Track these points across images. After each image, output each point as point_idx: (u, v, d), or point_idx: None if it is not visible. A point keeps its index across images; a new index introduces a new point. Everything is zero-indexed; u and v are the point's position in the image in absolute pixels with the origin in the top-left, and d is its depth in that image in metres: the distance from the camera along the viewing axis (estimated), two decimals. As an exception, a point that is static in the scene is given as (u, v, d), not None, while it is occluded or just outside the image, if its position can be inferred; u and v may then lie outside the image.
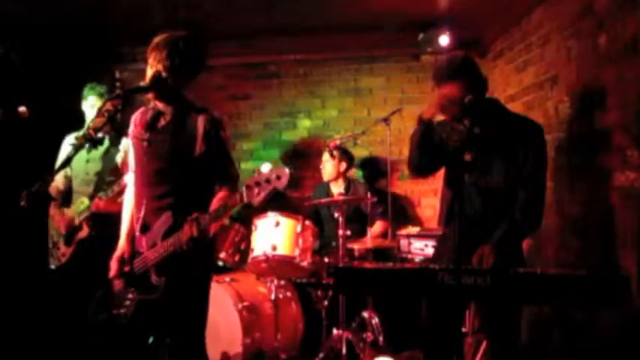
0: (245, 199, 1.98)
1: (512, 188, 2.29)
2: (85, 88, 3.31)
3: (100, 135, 3.18)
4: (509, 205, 2.28)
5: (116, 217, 3.12)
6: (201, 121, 2.24)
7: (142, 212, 2.32)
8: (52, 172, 2.41)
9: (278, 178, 1.91)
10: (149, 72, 2.23)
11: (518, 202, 2.28)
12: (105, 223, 3.10)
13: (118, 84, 4.63)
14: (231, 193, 2.23)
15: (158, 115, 2.33)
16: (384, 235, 4.07)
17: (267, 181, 1.91)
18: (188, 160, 2.22)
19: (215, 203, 2.20)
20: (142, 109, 2.40)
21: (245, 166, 4.92)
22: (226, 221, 3.65)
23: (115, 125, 3.13)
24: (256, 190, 1.93)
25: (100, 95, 3.28)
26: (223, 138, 2.28)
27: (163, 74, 2.19)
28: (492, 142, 2.32)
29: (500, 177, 2.30)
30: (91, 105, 3.27)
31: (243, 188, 2.00)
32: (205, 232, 2.10)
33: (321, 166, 4.28)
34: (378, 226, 4.11)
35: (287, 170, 1.90)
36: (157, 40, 2.23)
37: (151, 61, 2.22)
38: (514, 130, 2.32)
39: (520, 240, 2.38)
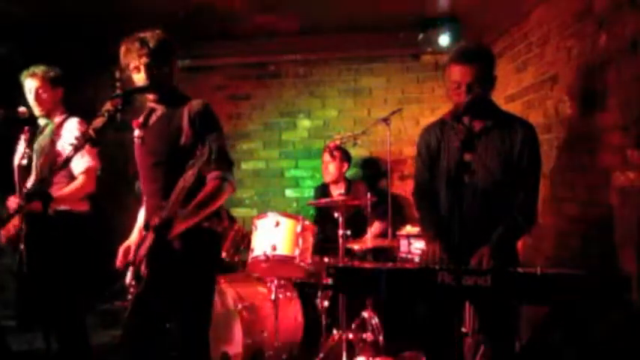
0: (186, 183, 2.03)
1: (508, 188, 2.30)
2: (21, 75, 3.06)
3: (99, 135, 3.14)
4: (505, 205, 2.28)
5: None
6: (186, 111, 2.24)
7: (145, 209, 2.36)
8: (52, 173, 2.41)
9: (201, 156, 1.99)
10: (138, 76, 2.27)
11: (518, 202, 2.28)
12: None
13: (117, 84, 4.63)
14: (221, 182, 2.17)
15: (151, 112, 2.38)
16: (382, 235, 4.07)
17: (197, 160, 2.00)
18: (177, 152, 2.21)
19: (201, 193, 2.17)
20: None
21: (245, 166, 4.93)
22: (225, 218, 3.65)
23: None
24: (190, 172, 2.01)
25: (42, 78, 3.01)
26: (210, 123, 2.25)
27: (151, 66, 2.22)
28: (489, 142, 2.32)
29: (497, 177, 2.30)
30: (28, 90, 3.04)
31: (185, 171, 2.05)
32: (167, 220, 2.07)
33: (322, 167, 4.28)
34: (376, 227, 4.11)
35: (206, 149, 1.99)
36: (122, 49, 2.27)
37: (132, 65, 2.25)
38: (508, 130, 2.32)
39: (517, 240, 2.39)
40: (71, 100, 3.23)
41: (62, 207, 2.95)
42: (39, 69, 3.03)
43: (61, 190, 2.93)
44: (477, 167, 2.31)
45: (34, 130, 3.08)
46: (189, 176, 1.99)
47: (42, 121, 3.12)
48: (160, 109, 2.35)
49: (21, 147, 3.07)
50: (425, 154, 2.50)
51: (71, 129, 3.00)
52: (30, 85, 3.04)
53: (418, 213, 2.54)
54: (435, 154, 2.45)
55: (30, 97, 3.04)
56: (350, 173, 4.58)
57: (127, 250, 2.38)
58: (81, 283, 3.05)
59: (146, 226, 2.29)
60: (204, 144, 2.09)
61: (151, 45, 2.21)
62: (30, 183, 2.95)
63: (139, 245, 2.32)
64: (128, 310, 2.27)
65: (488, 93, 2.36)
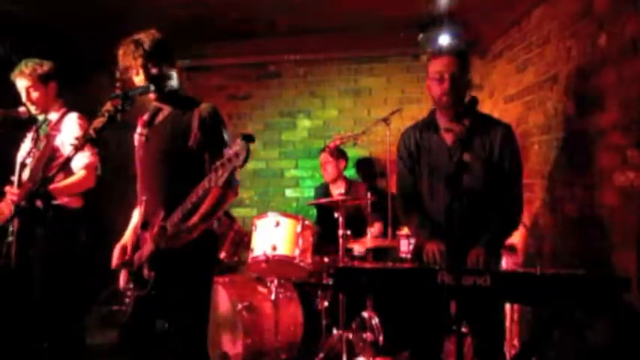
0: (212, 184, 1.97)
1: (492, 189, 2.33)
2: (12, 75, 2.99)
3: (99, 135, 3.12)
4: (490, 206, 2.30)
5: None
6: (196, 113, 2.26)
7: (143, 208, 2.35)
8: (55, 173, 2.41)
9: (237, 155, 1.86)
10: (137, 78, 2.27)
11: (505, 202, 2.33)
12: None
13: (117, 84, 4.62)
14: (225, 190, 2.19)
15: (157, 111, 2.38)
16: (381, 235, 4.07)
17: (229, 160, 1.88)
18: (183, 153, 2.23)
19: (206, 203, 2.18)
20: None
21: (245, 166, 4.92)
22: (225, 218, 3.65)
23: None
24: (220, 172, 1.91)
25: (31, 76, 2.95)
26: (219, 128, 2.27)
27: (149, 66, 2.23)
28: (469, 145, 2.35)
29: (481, 178, 2.33)
30: (20, 90, 2.98)
31: (212, 172, 1.95)
32: (172, 240, 2.10)
33: (321, 169, 4.29)
34: (376, 228, 4.11)
35: (244, 146, 1.83)
36: (119, 52, 2.27)
37: (130, 67, 2.26)
38: (487, 133, 2.37)
39: (507, 238, 2.43)
40: (71, 100, 3.23)
41: (56, 202, 2.92)
42: (27, 67, 2.96)
43: (57, 184, 2.90)
44: (463, 168, 2.34)
45: (38, 128, 3.07)
46: (218, 177, 1.91)
47: (40, 117, 3.09)
48: (166, 109, 2.35)
49: (27, 145, 3.06)
50: (405, 156, 2.53)
51: (70, 124, 2.99)
52: (20, 85, 2.97)
53: (405, 214, 2.55)
54: (416, 156, 2.48)
55: (23, 96, 3.00)
56: (350, 173, 4.58)
57: (123, 250, 2.36)
58: (74, 280, 3.03)
59: (143, 225, 2.29)
60: (224, 148, 2.02)
61: (146, 46, 2.23)
62: (25, 176, 2.93)
63: (135, 246, 2.32)
64: (128, 311, 2.27)
65: (465, 94, 2.40)
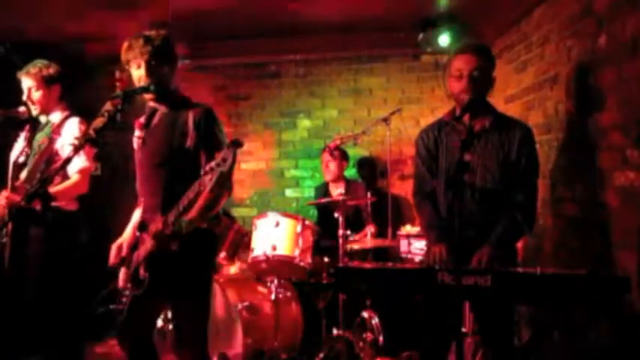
0: (202, 187, 1.99)
1: (507, 188, 2.31)
2: (18, 74, 3.02)
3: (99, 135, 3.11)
4: (503, 206, 2.29)
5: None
6: (192, 115, 2.26)
7: (141, 210, 2.36)
8: (54, 173, 2.41)
9: (224, 160, 1.89)
10: (138, 72, 2.27)
11: (517, 203, 2.29)
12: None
13: (117, 84, 4.63)
14: (216, 192, 2.16)
15: (153, 113, 2.38)
16: (377, 236, 4.06)
17: (218, 165, 1.90)
18: (180, 155, 2.24)
19: (198, 203, 2.18)
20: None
21: (245, 166, 4.93)
22: (224, 218, 3.65)
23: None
24: (209, 177, 1.94)
25: (35, 77, 2.97)
26: (215, 130, 2.27)
27: (153, 64, 2.24)
28: (488, 143, 2.33)
29: (496, 177, 2.31)
30: (23, 89, 3.01)
31: (203, 175, 1.98)
32: (172, 227, 2.11)
33: (323, 167, 4.29)
34: (371, 229, 4.09)
35: (231, 152, 1.87)
36: (125, 45, 2.27)
37: (133, 62, 2.26)
38: (507, 131, 2.34)
39: (517, 240, 2.40)
40: (71, 100, 3.22)
41: (53, 203, 2.89)
42: (34, 67, 2.99)
43: (53, 187, 2.88)
44: (476, 167, 2.32)
45: (35, 128, 3.07)
46: (207, 181, 1.94)
47: (42, 119, 3.08)
48: (162, 110, 2.36)
49: (20, 144, 3.06)
50: (424, 154, 2.51)
51: (71, 128, 2.98)
52: (24, 84, 3.00)
53: (419, 214, 2.54)
54: (434, 155, 2.46)
55: (24, 95, 3.01)
56: (349, 173, 4.58)
57: (120, 249, 2.37)
58: (69, 282, 3.01)
59: (141, 227, 2.29)
60: (220, 149, 2.02)
61: (155, 44, 2.23)
62: (23, 178, 2.92)
63: (134, 246, 2.32)
64: (125, 311, 2.27)
65: (487, 92, 2.38)
